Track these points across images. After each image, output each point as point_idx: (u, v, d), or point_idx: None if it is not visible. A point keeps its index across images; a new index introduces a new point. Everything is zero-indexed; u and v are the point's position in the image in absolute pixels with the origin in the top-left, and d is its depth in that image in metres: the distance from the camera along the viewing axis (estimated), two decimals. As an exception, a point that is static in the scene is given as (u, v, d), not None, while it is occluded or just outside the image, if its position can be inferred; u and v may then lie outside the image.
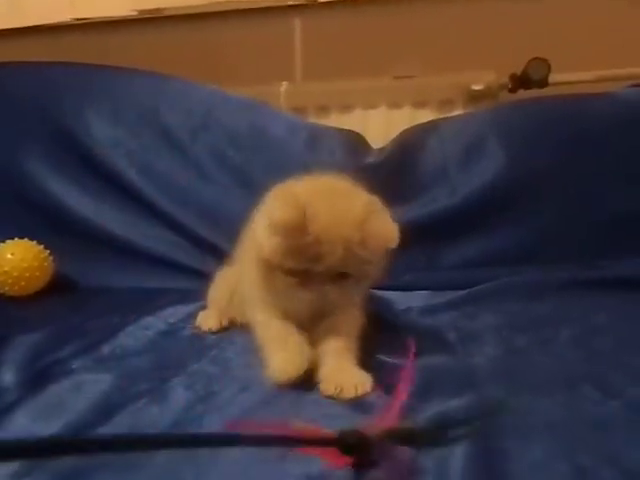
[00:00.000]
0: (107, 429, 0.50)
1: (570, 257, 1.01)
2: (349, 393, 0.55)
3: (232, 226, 1.03)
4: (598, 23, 1.26)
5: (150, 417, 0.53)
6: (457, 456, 0.43)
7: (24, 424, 0.51)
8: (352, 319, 0.66)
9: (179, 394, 0.59)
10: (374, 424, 0.44)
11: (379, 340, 0.71)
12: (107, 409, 0.54)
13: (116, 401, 0.56)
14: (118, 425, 0.51)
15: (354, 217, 0.57)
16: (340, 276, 0.59)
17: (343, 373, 0.58)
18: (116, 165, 1.14)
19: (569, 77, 1.23)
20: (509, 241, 1.04)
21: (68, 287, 1.11)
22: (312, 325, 0.65)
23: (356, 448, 0.41)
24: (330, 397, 0.56)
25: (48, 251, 1.08)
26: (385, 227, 0.59)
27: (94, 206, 1.14)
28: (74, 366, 0.66)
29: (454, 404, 0.52)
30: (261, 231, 0.60)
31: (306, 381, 0.59)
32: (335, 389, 0.56)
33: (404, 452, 0.43)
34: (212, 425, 0.52)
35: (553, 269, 0.98)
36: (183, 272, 1.09)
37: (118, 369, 0.65)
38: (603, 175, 1.04)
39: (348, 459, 0.41)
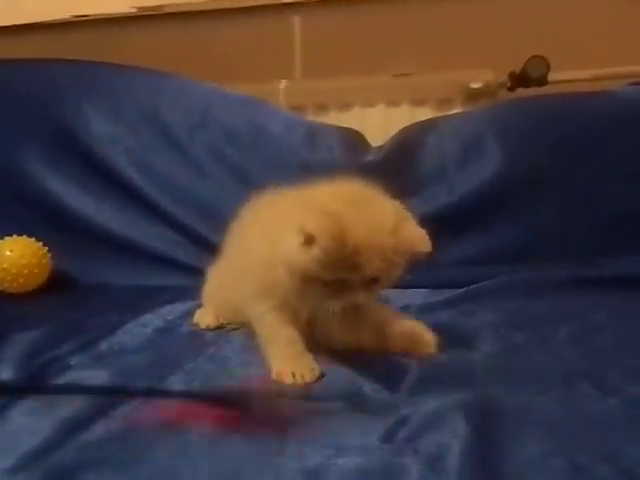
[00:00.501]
0: (104, 426, 0.50)
1: (569, 255, 1.01)
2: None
3: (228, 221, 1.03)
4: (597, 22, 1.26)
5: (149, 411, 0.53)
6: (454, 452, 0.43)
7: (22, 422, 0.51)
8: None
9: (177, 391, 0.58)
10: None
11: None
12: (104, 406, 0.54)
13: (114, 399, 0.56)
14: (117, 419, 0.51)
15: (387, 224, 0.57)
16: (372, 281, 0.59)
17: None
18: (115, 163, 1.14)
19: (568, 75, 1.23)
20: (507, 239, 1.04)
21: (67, 284, 1.11)
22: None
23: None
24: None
25: (47, 248, 1.08)
26: (416, 232, 0.60)
27: (93, 203, 1.14)
28: (72, 363, 0.66)
29: (451, 400, 0.52)
30: (292, 246, 0.56)
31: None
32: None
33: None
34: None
35: (552, 267, 0.98)
36: (181, 269, 1.09)
37: (116, 366, 0.65)
38: (602, 173, 1.04)
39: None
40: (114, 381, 0.60)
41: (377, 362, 0.65)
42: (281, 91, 1.37)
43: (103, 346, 0.74)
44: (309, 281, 0.57)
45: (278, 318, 0.64)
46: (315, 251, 0.54)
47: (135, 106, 1.17)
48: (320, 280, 0.57)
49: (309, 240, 0.54)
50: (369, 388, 0.58)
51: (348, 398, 0.55)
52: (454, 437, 0.45)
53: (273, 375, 0.60)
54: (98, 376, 0.61)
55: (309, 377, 0.59)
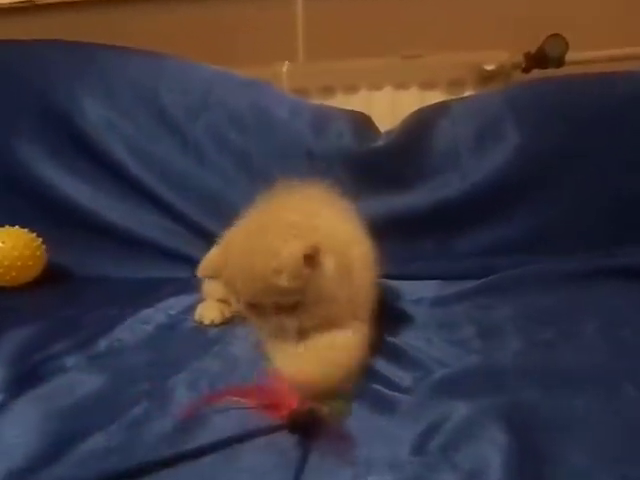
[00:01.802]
0: (104, 438, 0.45)
1: (588, 245, 0.96)
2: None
3: (233, 212, 0.99)
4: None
5: (151, 422, 0.49)
6: (495, 467, 0.39)
7: (11, 434, 0.46)
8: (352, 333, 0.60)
9: (182, 394, 0.54)
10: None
11: (392, 330, 0.68)
12: (104, 414, 0.49)
13: (113, 404, 0.52)
14: (117, 433, 0.46)
15: (266, 249, 0.56)
16: (289, 307, 0.58)
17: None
18: (111, 149, 1.09)
19: (586, 56, 1.17)
20: (524, 228, 0.99)
21: (62, 277, 1.06)
22: None
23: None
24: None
25: (41, 239, 1.03)
26: (294, 250, 0.55)
27: (89, 192, 1.08)
28: (68, 364, 0.62)
29: (484, 404, 0.47)
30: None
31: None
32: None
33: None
34: (220, 429, 0.47)
35: (570, 257, 0.93)
36: (183, 261, 1.04)
37: (115, 367, 0.61)
38: (624, 158, 0.99)
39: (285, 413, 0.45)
40: (113, 385, 0.56)
41: (395, 359, 0.61)
42: (283, 74, 1.31)
43: (101, 344, 0.69)
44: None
45: None
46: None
47: (132, 89, 1.11)
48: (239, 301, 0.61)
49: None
50: (391, 390, 0.53)
51: (371, 401, 0.51)
52: (493, 448, 0.40)
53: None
54: (95, 379, 0.56)
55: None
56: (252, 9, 1.39)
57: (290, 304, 0.58)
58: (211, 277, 0.71)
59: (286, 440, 0.44)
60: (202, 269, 0.66)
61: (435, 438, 0.43)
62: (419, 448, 0.42)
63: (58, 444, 0.44)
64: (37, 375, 0.58)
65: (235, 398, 0.50)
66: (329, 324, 0.59)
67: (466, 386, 0.52)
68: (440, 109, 1.07)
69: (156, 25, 1.41)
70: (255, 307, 0.59)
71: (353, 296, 0.61)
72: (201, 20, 1.42)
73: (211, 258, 0.64)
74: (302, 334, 0.59)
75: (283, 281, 0.55)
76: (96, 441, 0.45)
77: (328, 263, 0.57)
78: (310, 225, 0.59)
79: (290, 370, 0.53)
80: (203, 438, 0.46)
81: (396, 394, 0.53)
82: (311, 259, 0.56)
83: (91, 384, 0.56)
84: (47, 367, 0.61)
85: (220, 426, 0.48)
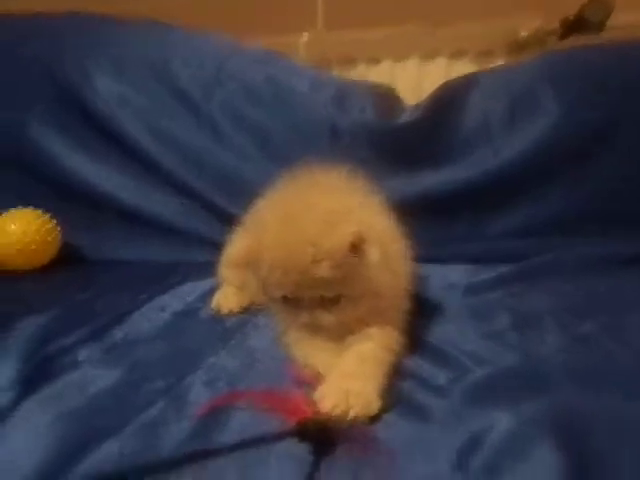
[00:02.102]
0: (118, 444, 0.42)
1: (630, 227, 0.90)
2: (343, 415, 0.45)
3: (251, 192, 0.94)
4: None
5: (167, 425, 0.45)
6: (551, 469, 0.35)
7: (19, 440, 0.43)
8: (384, 333, 0.56)
9: (199, 393, 0.51)
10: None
11: (423, 321, 0.64)
12: (117, 415, 0.46)
13: (128, 404, 0.48)
14: (131, 438, 0.43)
15: (304, 238, 0.51)
16: (330, 301, 0.53)
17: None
18: (124, 125, 1.04)
19: (628, 20, 1.08)
20: (561, 208, 0.93)
21: (75, 260, 1.03)
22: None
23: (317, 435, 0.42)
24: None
25: (54, 221, 1.00)
26: (336, 238, 0.51)
27: (101, 171, 1.04)
28: (81, 358, 0.58)
29: (529, 412, 0.43)
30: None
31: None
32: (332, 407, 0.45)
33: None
34: (238, 430, 0.44)
35: (611, 241, 0.87)
36: (199, 243, 1.01)
37: (129, 361, 0.57)
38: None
39: (301, 415, 0.43)
40: (127, 382, 0.53)
41: (427, 355, 0.56)
42: (302, 44, 1.24)
43: (116, 334, 0.66)
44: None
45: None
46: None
47: (142, 62, 1.06)
48: (271, 296, 0.56)
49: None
50: (424, 390, 0.49)
51: (402, 403, 0.47)
52: (543, 470, 0.36)
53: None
54: (109, 376, 0.53)
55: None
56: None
57: (331, 298, 0.53)
58: (241, 268, 0.65)
59: (305, 449, 0.41)
60: (231, 261, 0.61)
61: (477, 454, 0.38)
62: (460, 464, 0.38)
63: (69, 452, 0.41)
64: (49, 370, 0.55)
65: (251, 401, 0.47)
66: (371, 320, 0.55)
67: (506, 390, 0.48)
68: (470, 81, 1.00)
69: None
70: (291, 301, 0.55)
71: (397, 291, 0.57)
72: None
73: (241, 250, 0.58)
74: (340, 331, 0.55)
75: (324, 270, 0.50)
76: (110, 448, 0.42)
77: (373, 252, 0.52)
78: (348, 213, 0.54)
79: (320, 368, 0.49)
80: (220, 444, 0.42)
81: (430, 396, 0.48)
82: (355, 247, 0.51)
83: (105, 380, 0.52)
84: (59, 361, 0.57)
85: (238, 431, 0.44)
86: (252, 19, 1.33)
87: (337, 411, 0.44)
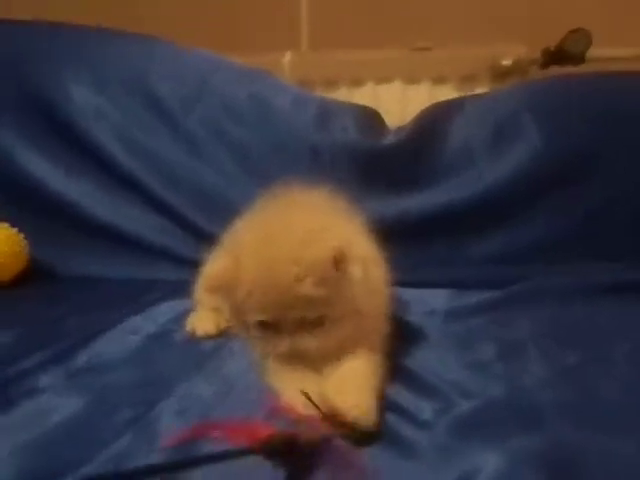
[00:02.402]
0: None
1: (611, 255, 0.90)
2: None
3: (230, 210, 0.92)
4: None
5: (136, 458, 0.42)
6: None
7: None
8: (366, 362, 0.53)
9: (169, 425, 0.47)
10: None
11: (403, 348, 0.62)
12: (81, 448, 0.43)
13: (93, 436, 0.45)
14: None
15: (285, 256, 0.49)
16: (312, 323, 0.51)
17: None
18: (99, 139, 1.01)
19: (607, 53, 1.11)
20: (542, 234, 0.93)
21: (44, 277, 0.98)
22: None
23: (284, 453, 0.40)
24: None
25: (22, 235, 0.96)
26: (318, 254, 0.49)
27: (74, 185, 1.01)
28: (42, 384, 0.55)
29: (519, 449, 0.41)
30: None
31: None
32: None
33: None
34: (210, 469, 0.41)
35: (595, 268, 0.87)
36: (175, 262, 0.97)
37: (96, 387, 0.54)
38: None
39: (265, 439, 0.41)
40: (92, 411, 0.49)
41: (408, 384, 0.54)
42: (286, 64, 1.24)
43: (82, 358, 0.62)
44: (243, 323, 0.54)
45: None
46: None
47: (122, 75, 1.04)
48: (249, 321, 0.52)
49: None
50: (407, 422, 0.47)
51: (385, 435, 0.45)
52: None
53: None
54: (72, 404, 0.50)
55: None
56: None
57: (313, 320, 0.50)
58: (217, 291, 0.61)
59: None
60: (211, 282, 0.58)
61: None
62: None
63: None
64: (7, 397, 0.51)
65: (224, 433, 0.44)
66: (354, 344, 0.53)
67: (494, 425, 0.46)
68: (454, 106, 1.00)
69: (154, 10, 1.34)
70: (269, 327, 0.52)
71: (378, 312, 0.55)
72: (201, 5, 1.34)
73: (217, 271, 0.55)
74: (321, 358, 0.52)
75: (308, 288, 0.48)
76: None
77: (356, 269, 0.50)
78: (328, 231, 0.52)
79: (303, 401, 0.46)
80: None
81: (414, 429, 0.46)
82: (338, 262, 0.49)
83: (68, 409, 0.49)
84: (18, 387, 0.54)
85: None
86: (237, 37, 1.33)
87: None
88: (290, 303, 0.49)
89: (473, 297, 0.84)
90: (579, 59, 1.06)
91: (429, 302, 0.84)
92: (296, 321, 0.50)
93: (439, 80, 1.16)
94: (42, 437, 0.45)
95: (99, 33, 1.08)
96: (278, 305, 0.50)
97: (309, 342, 0.51)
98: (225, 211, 0.96)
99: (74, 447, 0.44)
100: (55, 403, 0.50)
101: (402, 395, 0.52)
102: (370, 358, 0.53)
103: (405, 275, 0.80)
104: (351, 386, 0.48)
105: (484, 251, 0.94)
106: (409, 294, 0.85)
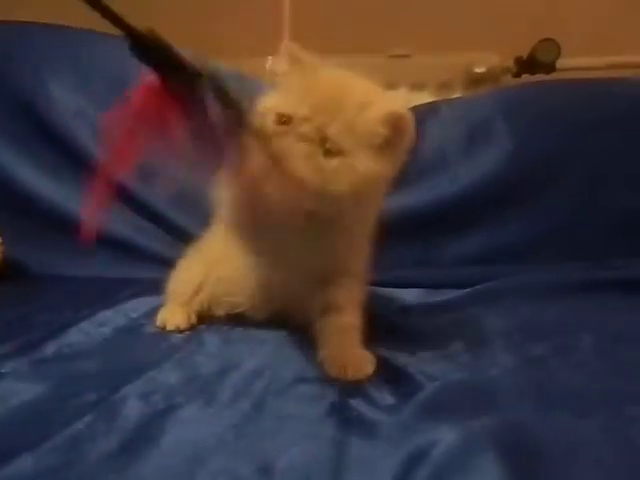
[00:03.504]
0: (32, 459, 0.38)
1: (581, 255, 0.92)
2: (353, 375, 0.53)
3: (205, 208, 0.92)
4: (611, 4, 1.17)
5: (94, 438, 0.42)
6: None
7: None
8: (353, 293, 0.59)
9: (132, 407, 0.47)
10: None
11: (376, 341, 0.61)
12: (37, 430, 0.42)
13: (51, 418, 0.44)
14: (50, 453, 0.39)
15: (364, 87, 0.52)
16: (328, 149, 0.48)
17: (347, 354, 0.55)
18: (77, 138, 1.01)
19: (578, 62, 1.14)
20: (514, 236, 0.95)
21: (16, 274, 0.97)
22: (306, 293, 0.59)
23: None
24: (335, 378, 0.53)
25: (-4, 233, 0.95)
26: (396, 106, 0.50)
27: (50, 183, 1.01)
28: (4, 370, 0.54)
29: (475, 428, 0.41)
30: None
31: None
32: (340, 370, 0.53)
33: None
34: (171, 447, 0.41)
35: (563, 268, 0.89)
36: (150, 260, 0.97)
37: (60, 375, 0.54)
38: (619, 164, 0.95)
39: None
40: (53, 395, 0.49)
41: (377, 373, 0.55)
42: (268, 69, 1.25)
43: (49, 348, 0.62)
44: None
45: None
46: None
47: (102, 74, 1.04)
48: (278, 112, 0.49)
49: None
50: (372, 408, 0.47)
51: (348, 421, 0.45)
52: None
53: None
54: (33, 389, 0.49)
55: None
56: (237, 2, 1.33)
57: (334, 147, 0.48)
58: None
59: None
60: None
61: (421, 467, 0.36)
62: (404, 479, 0.36)
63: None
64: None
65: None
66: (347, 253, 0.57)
67: (454, 406, 0.46)
68: (429, 110, 1.02)
69: (137, 15, 1.34)
70: (287, 123, 0.49)
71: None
72: (185, 12, 1.36)
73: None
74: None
75: (369, 119, 0.48)
76: (22, 464, 0.38)
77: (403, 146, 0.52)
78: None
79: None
80: (152, 460, 0.39)
81: (377, 413, 0.46)
82: (401, 127, 0.50)
83: (28, 394, 0.48)
84: (-20, 374, 0.53)
85: (172, 446, 0.41)
86: (220, 43, 1.34)
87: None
88: (344, 131, 0.48)
89: (447, 295, 0.85)
90: (550, 68, 1.09)
91: (404, 300, 0.85)
92: (318, 137, 0.48)
93: (416, 86, 1.18)
94: (0, 417, 0.44)
95: (80, 33, 1.09)
96: (319, 102, 0.49)
97: (330, 163, 0.48)
98: (201, 208, 0.98)
99: (33, 427, 0.43)
100: (16, 387, 0.50)
101: (368, 382, 0.53)
102: (353, 300, 0.58)
103: (379, 276, 0.81)
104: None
105: (458, 252, 0.96)
106: (384, 293, 0.86)
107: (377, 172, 0.50)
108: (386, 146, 0.50)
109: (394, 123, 0.49)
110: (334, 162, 0.48)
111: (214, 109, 0.45)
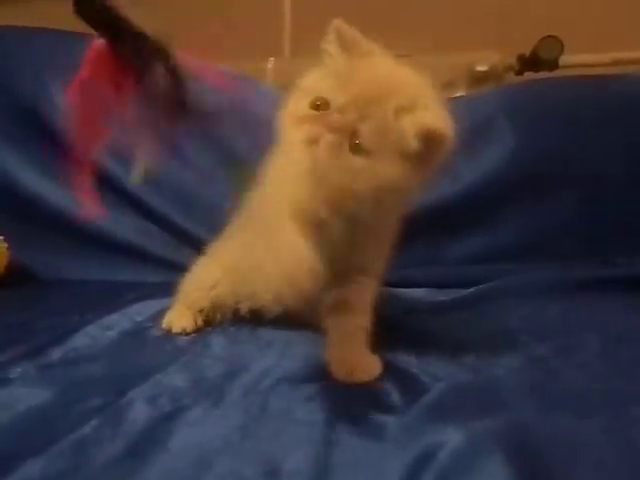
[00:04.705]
0: (40, 464, 0.38)
1: (585, 253, 0.92)
2: (360, 377, 0.53)
3: (210, 211, 0.92)
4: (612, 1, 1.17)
5: (100, 442, 0.42)
6: None
7: None
8: (366, 293, 0.59)
9: (139, 410, 0.47)
10: None
11: (381, 341, 0.61)
12: (44, 434, 0.43)
13: (58, 423, 0.45)
14: (57, 458, 0.40)
15: (413, 89, 0.49)
16: (354, 145, 0.47)
17: (355, 356, 0.55)
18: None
19: (580, 59, 1.14)
20: (517, 234, 0.95)
21: (23, 278, 0.98)
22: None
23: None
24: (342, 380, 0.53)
25: (2, 237, 0.95)
26: (438, 120, 0.47)
27: (54, 187, 1.01)
28: (12, 376, 0.54)
29: (481, 429, 0.41)
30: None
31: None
32: (347, 373, 0.53)
33: None
34: (178, 450, 0.41)
35: (566, 266, 0.89)
36: (155, 263, 0.98)
37: (66, 379, 0.54)
38: (621, 161, 0.95)
39: None
40: (60, 400, 0.49)
41: (386, 378, 0.55)
42: (269, 70, 1.25)
43: (55, 353, 0.62)
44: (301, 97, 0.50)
45: None
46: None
47: (104, 79, 1.04)
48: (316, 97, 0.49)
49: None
50: (378, 410, 0.47)
51: (354, 422, 0.45)
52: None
53: None
54: (40, 394, 0.49)
55: None
56: (238, 2, 1.33)
57: (365, 142, 0.47)
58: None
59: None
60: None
61: (428, 470, 0.37)
62: (410, 480, 0.36)
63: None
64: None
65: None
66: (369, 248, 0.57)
67: (459, 407, 0.46)
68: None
69: (138, 17, 1.35)
70: (321, 108, 0.48)
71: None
72: (186, 13, 1.36)
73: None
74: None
75: (416, 142, 0.46)
76: (29, 469, 0.38)
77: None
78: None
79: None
80: (158, 464, 0.39)
81: (383, 415, 0.46)
82: (436, 141, 0.47)
83: (35, 399, 0.49)
84: (-13, 379, 0.53)
85: (178, 449, 0.41)
86: (221, 43, 1.34)
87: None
88: (380, 130, 0.46)
89: (451, 294, 0.85)
90: (553, 65, 1.09)
91: (407, 300, 0.85)
92: (349, 130, 0.47)
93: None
94: (6, 424, 0.44)
95: (80, 38, 1.09)
96: (357, 95, 0.47)
97: (358, 161, 0.47)
98: (206, 212, 0.98)
99: (39, 432, 0.43)
100: (23, 393, 0.50)
101: (376, 383, 0.53)
102: (365, 299, 0.58)
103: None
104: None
105: (462, 251, 0.96)
106: (388, 293, 0.86)
107: (402, 182, 0.48)
108: (416, 159, 0.47)
109: (429, 139, 0.46)
110: (359, 161, 0.47)
111: (161, 74, 0.45)
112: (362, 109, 0.47)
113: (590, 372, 0.56)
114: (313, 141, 0.47)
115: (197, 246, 0.93)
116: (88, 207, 0.43)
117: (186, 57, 0.45)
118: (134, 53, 0.42)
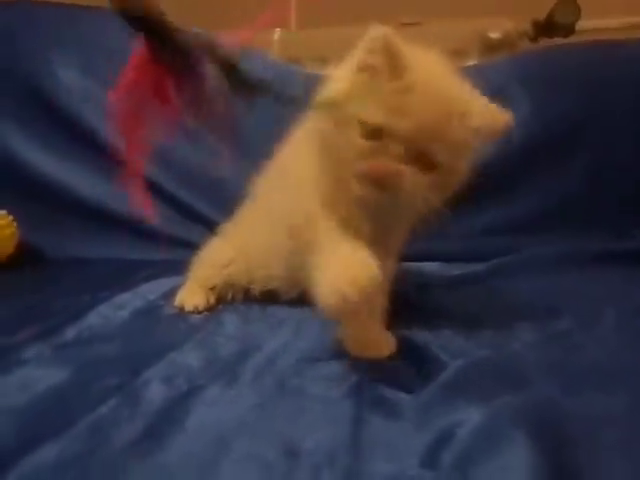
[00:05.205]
0: (58, 447, 0.38)
1: (601, 224, 0.90)
2: (375, 354, 0.52)
3: (220, 190, 0.91)
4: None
5: (118, 423, 0.42)
6: (524, 464, 0.33)
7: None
8: (385, 271, 0.55)
9: (155, 390, 0.47)
10: None
11: (396, 317, 0.61)
12: (61, 416, 0.43)
13: (75, 403, 0.45)
14: (75, 440, 0.39)
15: (460, 90, 0.49)
16: (423, 164, 0.48)
17: (368, 333, 0.54)
18: (87, 121, 1.00)
19: (596, 24, 1.10)
20: (533, 206, 0.93)
21: (34, 259, 0.98)
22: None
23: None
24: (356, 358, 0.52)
25: (12, 217, 0.95)
26: (495, 113, 0.49)
27: (63, 167, 1.00)
28: (27, 356, 0.54)
29: (501, 407, 0.41)
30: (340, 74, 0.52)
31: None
32: (361, 350, 0.53)
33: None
34: (196, 430, 0.41)
35: (583, 238, 0.87)
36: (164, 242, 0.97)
37: (81, 359, 0.54)
38: (637, 129, 0.92)
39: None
40: (76, 380, 0.49)
41: (399, 352, 0.54)
42: (275, 42, 1.22)
43: (69, 333, 0.62)
44: (344, 124, 0.48)
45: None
46: (361, 75, 0.49)
47: (110, 57, 1.02)
48: (361, 120, 0.47)
49: (362, 54, 0.51)
50: (395, 388, 0.47)
51: (372, 401, 0.44)
52: (518, 465, 0.34)
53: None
54: (56, 374, 0.49)
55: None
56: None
57: (428, 161, 0.48)
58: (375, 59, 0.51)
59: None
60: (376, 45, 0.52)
61: (448, 450, 0.36)
62: (430, 461, 0.36)
63: (1, 455, 0.37)
64: (-10, 369, 0.51)
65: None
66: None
67: (478, 385, 0.45)
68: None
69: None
70: (376, 137, 0.47)
71: None
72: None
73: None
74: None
75: (465, 130, 0.47)
76: (47, 452, 0.38)
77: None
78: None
79: None
80: (176, 445, 0.39)
81: (401, 393, 0.46)
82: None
83: (51, 379, 0.48)
84: (2, 360, 0.53)
85: (196, 429, 0.41)
86: (226, 15, 1.31)
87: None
88: (439, 135, 0.46)
89: (465, 268, 0.84)
90: (569, 30, 1.05)
91: (421, 275, 0.84)
92: (411, 150, 0.47)
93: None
94: (22, 405, 0.44)
95: (83, 12, 1.07)
96: (423, 121, 0.46)
97: (419, 178, 0.47)
98: (215, 191, 0.97)
99: (56, 414, 0.43)
100: (39, 374, 0.50)
101: (390, 361, 0.53)
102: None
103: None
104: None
105: (477, 223, 0.94)
106: (402, 266, 0.85)
107: (463, 178, 0.52)
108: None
109: (492, 134, 0.49)
110: (429, 177, 0.48)
111: (210, 77, 0.43)
112: (428, 133, 0.46)
113: (609, 346, 0.56)
114: (383, 176, 0.47)
115: (206, 224, 0.93)
116: (141, 209, 0.43)
117: (227, 39, 0.43)
118: (179, 59, 0.40)
